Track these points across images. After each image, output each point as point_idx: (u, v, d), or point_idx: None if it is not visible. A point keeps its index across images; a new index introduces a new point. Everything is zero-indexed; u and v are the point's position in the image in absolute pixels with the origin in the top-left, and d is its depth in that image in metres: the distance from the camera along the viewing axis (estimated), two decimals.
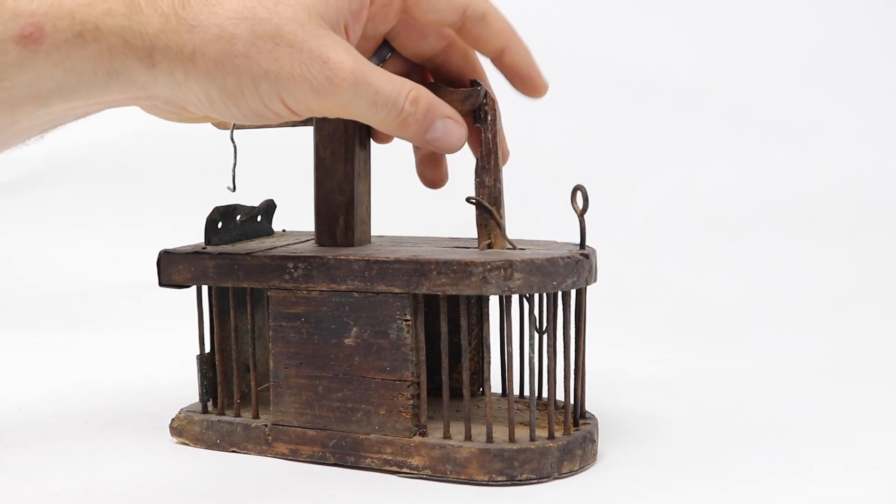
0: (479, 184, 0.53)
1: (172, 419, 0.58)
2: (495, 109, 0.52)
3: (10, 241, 1.04)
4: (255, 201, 0.61)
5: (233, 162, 0.59)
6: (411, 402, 0.51)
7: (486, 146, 0.53)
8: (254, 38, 0.42)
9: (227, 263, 0.54)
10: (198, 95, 0.43)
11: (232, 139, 0.58)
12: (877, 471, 0.52)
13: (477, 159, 0.53)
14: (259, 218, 0.62)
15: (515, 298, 0.55)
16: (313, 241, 0.58)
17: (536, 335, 0.51)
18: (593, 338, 0.58)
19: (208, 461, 0.54)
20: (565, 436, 0.51)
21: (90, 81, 0.41)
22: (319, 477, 0.51)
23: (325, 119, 0.55)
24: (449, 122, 0.49)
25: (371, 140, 0.57)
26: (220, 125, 0.58)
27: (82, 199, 1.06)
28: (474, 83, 0.52)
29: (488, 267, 0.49)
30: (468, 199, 0.53)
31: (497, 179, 0.53)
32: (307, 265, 0.52)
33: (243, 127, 0.58)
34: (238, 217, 0.59)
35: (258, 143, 0.58)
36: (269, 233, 0.63)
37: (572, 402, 0.53)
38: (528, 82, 0.52)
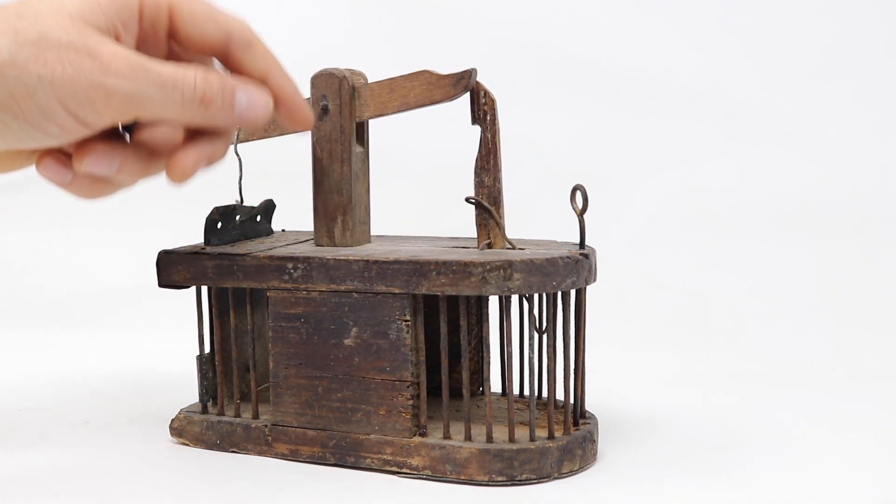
0: (479, 183, 0.53)
1: (172, 419, 0.58)
2: (494, 109, 0.52)
3: (11, 241, 1.04)
4: (254, 201, 0.61)
5: (239, 175, 0.59)
6: (411, 402, 0.51)
7: (486, 146, 0.53)
8: (18, 47, 0.42)
9: (226, 264, 0.54)
10: None
11: (236, 152, 0.58)
12: (877, 470, 0.52)
13: (476, 159, 0.53)
14: (258, 218, 0.61)
15: (515, 298, 0.55)
16: (312, 242, 0.58)
17: (536, 335, 0.51)
18: (593, 337, 0.58)
19: (208, 461, 0.54)
20: (565, 436, 0.51)
21: None
22: (319, 477, 0.51)
23: (321, 119, 0.55)
24: (249, 89, 0.46)
25: (366, 140, 0.57)
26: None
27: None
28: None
29: (488, 267, 0.49)
30: (467, 199, 0.53)
31: (496, 179, 0.53)
32: (306, 265, 0.52)
33: (244, 140, 0.58)
34: (237, 217, 0.59)
35: (258, 143, 0.59)
36: (269, 233, 0.63)
37: (572, 401, 0.53)
38: (293, 112, 0.49)
